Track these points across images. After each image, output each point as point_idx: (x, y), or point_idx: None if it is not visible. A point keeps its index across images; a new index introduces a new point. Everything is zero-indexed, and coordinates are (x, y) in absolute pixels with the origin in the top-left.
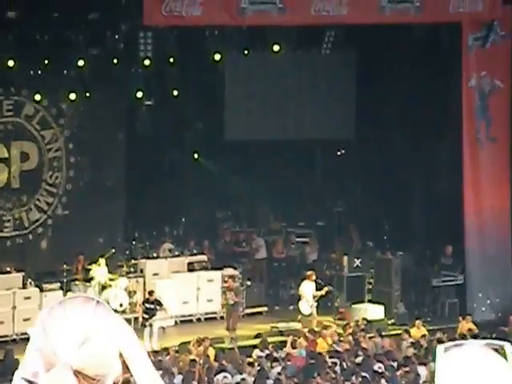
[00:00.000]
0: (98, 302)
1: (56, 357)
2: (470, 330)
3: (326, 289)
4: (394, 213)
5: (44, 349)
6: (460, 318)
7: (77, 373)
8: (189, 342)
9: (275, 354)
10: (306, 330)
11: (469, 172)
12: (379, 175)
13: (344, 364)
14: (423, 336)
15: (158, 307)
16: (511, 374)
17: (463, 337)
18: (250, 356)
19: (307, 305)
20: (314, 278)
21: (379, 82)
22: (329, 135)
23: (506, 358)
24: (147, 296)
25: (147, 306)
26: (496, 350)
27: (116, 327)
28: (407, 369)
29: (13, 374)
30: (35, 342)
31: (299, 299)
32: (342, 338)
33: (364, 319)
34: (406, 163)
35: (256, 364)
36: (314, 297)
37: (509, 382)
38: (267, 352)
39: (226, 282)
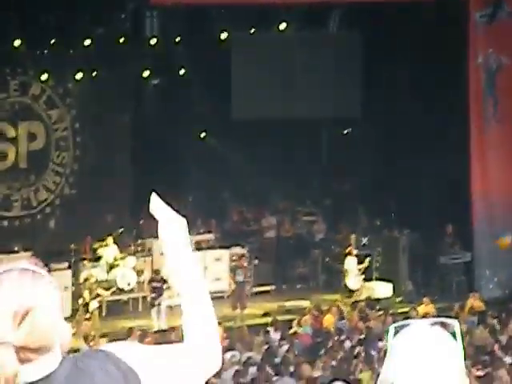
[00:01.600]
0: (33, 271)
1: None
2: (474, 307)
3: (367, 260)
4: (401, 191)
5: None
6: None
7: (19, 349)
8: None
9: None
10: (313, 308)
11: (476, 150)
12: (386, 154)
13: (350, 341)
14: (429, 313)
15: (164, 286)
16: (459, 350)
17: (472, 314)
18: (258, 334)
19: (354, 279)
20: (354, 252)
21: (386, 60)
22: (336, 114)
23: (454, 335)
24: (153, 275)
25: (154, 284)
26: (445, 327)
27: (55, 293)
28: None
29: None
30: None
31: (344, 276)
32: (348, 317)
33: (368, 298)
34: (412, 142)
35: (265, 343)
36: (359, 270)
37: (457, 359)
38: (278, 331)
39: (236, 260)
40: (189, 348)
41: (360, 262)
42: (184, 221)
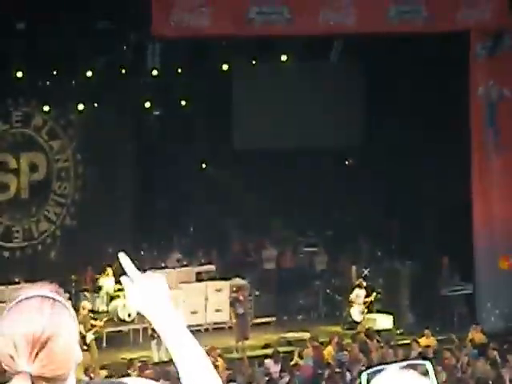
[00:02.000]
0: (54, 300)
1: (13, 361)
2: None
3: (374, 294)
4: (402, 222)
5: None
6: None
7: (36, 378)
8: None
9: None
10: (312, 339)
11: (477, 181)
12: (388, 185)
13: (351, 373)
14: (428, 346)
15: None
16: None
17: (474, 346)
18: (260, 366)
19: (359, 311)
20: (364, 284)
21: (387, 91)
22: (337, 144)
23: (428, 376)
24: None
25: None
26: (417, 369)
27: (73, 323)
28: None
29: None
30: None
31: (350, 306)
32: (349, 348)
33: (368, 329)
34: (414, 172)
35: (265, 374)
36: (365, 303)
37: None
38: (278, 363)
39: (235, 292)
40: None
41: (367, 295)
42: (163, 278)
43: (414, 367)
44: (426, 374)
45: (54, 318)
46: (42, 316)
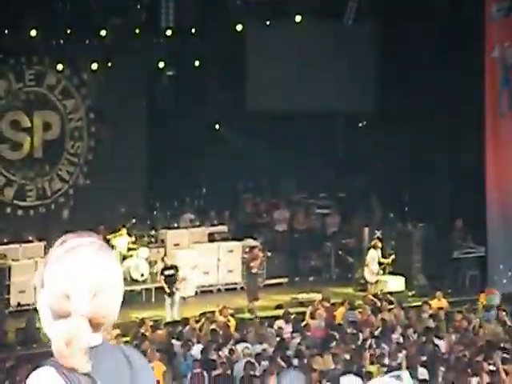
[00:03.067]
0: (108, 249)
1: (68, 302)
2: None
3: (392, 257)
4: (415, 184)
5: (55, 291)
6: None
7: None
8: (209, 313)
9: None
10: (323, 300)
11: (490, 143)
12: (401, 147)
13: (363, 335)
14: (440, 309)
15: (176, 274)
16: None
17: (485, 309)
18: (271, 326)
19: (373, 272)
20: (379, 245)
21: (402, 52)
22: (351, 107)
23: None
24: (163, 263)
25: (166, 272)
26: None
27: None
28: (426, 340)
29: (34, 343)
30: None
31: (365, 267)
32: (361, 310)
33: (380, 291)
34: (427, 135)
35: (276, 335)
36: (380, 264)
37: None
38: (290, 323)
39: (248, 253)
40: None
41: (383, 257)
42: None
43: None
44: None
45: (110, 266)
46: (101, 263)
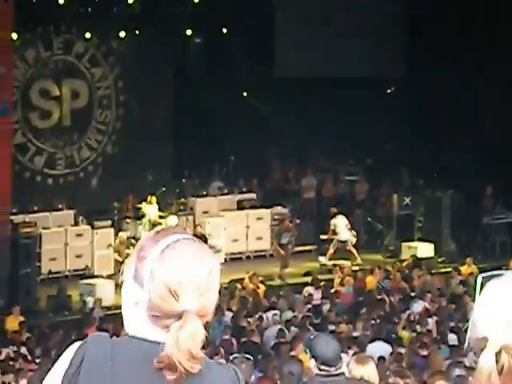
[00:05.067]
0: (205, 243)
1: (177, 302)
2: None
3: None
4: (444, 150)
5: (155, 292)
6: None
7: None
8: (238, 280)
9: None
10: (355, 267)
11: None
12: (430, 113)
13: (393, 301)
14: (470, 274)
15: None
16: None
17: None
18: (300, 293)
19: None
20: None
21: (429, 20)
22: (379, 74)
23: None
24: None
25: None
26: None
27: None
28: (455, 306)
29: (65, 310)
30: (130, 278)
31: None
32: (391, 276)
33: (413, 256)
34: (456, 101)
35: (306, 301)
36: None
37: None
38: (319, 290)
39: (278, 220)
40: None
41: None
42: None
43: None
44: None
45: (212, 262)
46: (204, 260)
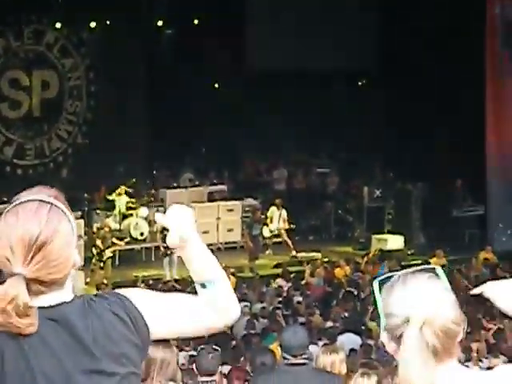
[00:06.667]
0: (51, 204)
1: (9, 263)
2: (488, 259)
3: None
4: (415, 144)
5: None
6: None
7: (31, 281)
8: None
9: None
10: (325, 259)
11: (491, 103)
12: (401, 106)
13: (362, 293)
14: (443, 266)
15: None
16: (448, 291)
17: (484, 267)
18: (270, 285)
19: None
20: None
21: (402, 10)
22: (350, 65)
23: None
24: None
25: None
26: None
27: (70, 230)
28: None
29: None
30: None
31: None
32: (361, 268)
33: (377, 249)
34: (427, 95)
35: (276, 294)
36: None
37: (448, 299)
38: (289, 282)
39: (249, 211)
40: (202, 299)
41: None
42: (190, 210)
43: (424, 272)
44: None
45: (50, 223)
46: (39, 220)
